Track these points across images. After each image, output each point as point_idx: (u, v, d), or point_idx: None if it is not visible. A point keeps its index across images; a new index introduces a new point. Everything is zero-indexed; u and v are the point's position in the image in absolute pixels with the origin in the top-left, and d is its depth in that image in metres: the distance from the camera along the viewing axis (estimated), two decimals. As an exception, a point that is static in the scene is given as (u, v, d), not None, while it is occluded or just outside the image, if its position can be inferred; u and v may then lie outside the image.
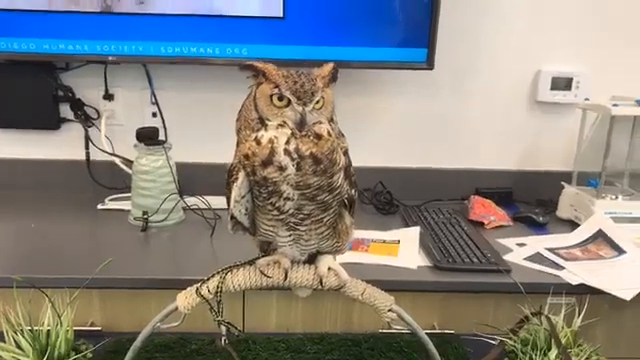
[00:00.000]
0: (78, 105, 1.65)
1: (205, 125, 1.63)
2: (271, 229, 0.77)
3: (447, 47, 1.59)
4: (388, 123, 1.73)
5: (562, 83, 1.69)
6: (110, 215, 1.53)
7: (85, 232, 1.46)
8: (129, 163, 1.54)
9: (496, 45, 1.68)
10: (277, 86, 0.70)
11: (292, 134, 0.70)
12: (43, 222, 1.45)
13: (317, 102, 0.71)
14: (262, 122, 0.71)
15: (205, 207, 1.48)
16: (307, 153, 0.69)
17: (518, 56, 1.69)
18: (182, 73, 1.64)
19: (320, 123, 0.71)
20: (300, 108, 0.69)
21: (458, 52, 1.66)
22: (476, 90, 1.71)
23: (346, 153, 0.75)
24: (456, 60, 1.67)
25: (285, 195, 0.71)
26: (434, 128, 1.74)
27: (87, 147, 1.67)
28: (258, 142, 0.70)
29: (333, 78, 0.74)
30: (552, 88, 1.70)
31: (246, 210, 0.77)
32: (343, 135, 0.77)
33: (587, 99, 1.61)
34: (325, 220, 0.76)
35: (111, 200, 1.58)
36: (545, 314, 0.93)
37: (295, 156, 0.69)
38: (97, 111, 1.67)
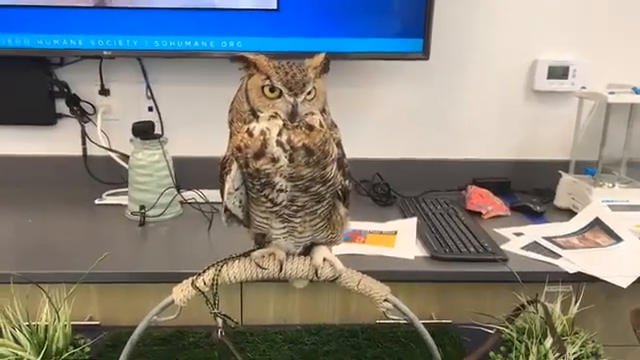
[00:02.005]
0: (74, 100, 1.65)
1: (201, 118, 1.62)
2: (265, 221, 0.78)
3: (443, 37, 1.58)
4: (385, 114, 1.73)
5: (559, 72, 1.69)
6: (107, 210, 1.53)
7: (83, 227, 1.45)
8: (126, 158, 1.54)
9: (492, 34, 1.67)
10: (268, 77, 0.70)
11: (284, 125, 0.70)
12: (40, 218, 1.45)
13: (309, 93, 0.71)
14: (254, 114, 0.71)
15: (202, 201, 1.48)
16: (299, 144, 0.69)
17: (514, 45, 1.68)
18: (177, 67, 1.64)
19: (312, 114, 0.71)
20: (291, 99, 0.69)
21: (454, 42, 1.66)
22: (473, 80, 1.71)
23: (339, 144, 0.75)
24: (452, 50, 1.66)
25: (278, 187, 0.72)
26: (431, 119, 1.73)
27: (84, 142, 1.67)
28: (250, 134, 0.70)
29: (325, 69, 0.74)
30: (549, 77, 1.69)
31: (240, 202, 0.77)
32: (336, 126, 0.77)
33: (584, 87, 1.60)
34: (319, 212, 0.76)
35: (108, 195, 1.58)
36: (541, 301, 0.94)
37: (287, 147, 0.69)
38: (93, 106, 1.67)
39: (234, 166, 0.72)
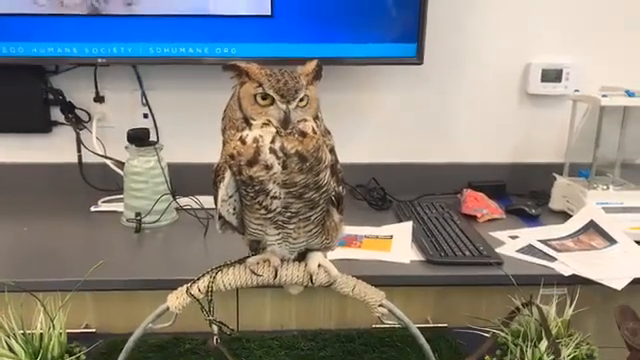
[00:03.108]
0: (69, 108, 1.65)
1: (197, 125, 1.62)
2: (259, 228, 0.78)
3: (436, 42, 1.59)
4: (380, 119, 1.73)
5: (552, 75, 1.69)
6: (103, 217, 1.53)
7: (78, 235, 1.45)
8: (121, 165, 1.54)
9: (485, 38, 1.68)
10: (260, 85, 0.70)
11: (277, 133, 0.70)
12: (36, 226, 1.44)
13: (301, 100, 0.71)
14: (247, 121, 0.71)
15: (198, 207, 1.48)
16: (292, 151, 0.70)
17: (508, 49, 1.69)
18: (172, 73, 1.64)
19: (305, 121, 0.72)
20: (284, 106, 0.70)
21: (448, 46, 1.66)
22: (467, 84, 1.72)
23: (332, 150, 0.76)
24: (446, 54, 1.67)
25: (272, 194, 0.72)
26: (426, 123, 1.74)
27: (79, 150, 1.67)
28: (243, 142, 0.70)
29: (317, 75, 0.74)
30: (542, 80, 1.70)
31: (234, 210, 0.77)
32: (329, 132, 0.78)
33: (577, 90, 1.61)
34: (313, 218, 0.77)
35: (104, 202, 1.58)
36: (536, 304, 0.94)
37: (280, 154, 0.69)
38: (88, 113, 1.67)
39: (227, 174, 0.73)
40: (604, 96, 1.45)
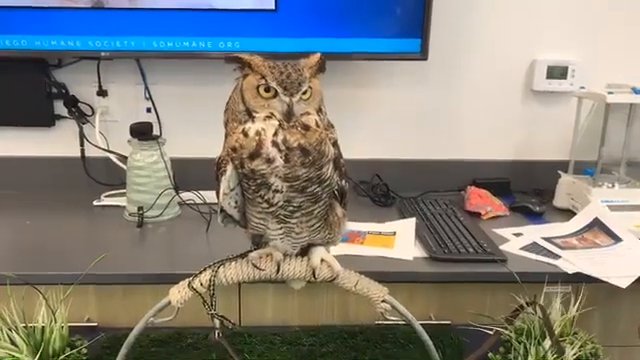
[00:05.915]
0: (72, 102, 1.65)
1: (200, 119, 1.62)
2: (261, 222, 0.77)
3: (441, 37, 1.58)
4: (384, 115, 1.72)
5: (558, 72, 1.68)
6: (106, 211, 1.52)
7: (81, 229, 1.45)
8: (124, 159, 1.54)
9: (491, 34, 1.67)
10: (263, 77, 0.69)
11: (280, 125, 0.69)
12: (38, 219, 1.44)
13: (304, 92, 0.70)
14: (249, 114, 0.71)
15: (200, 202, 1.48)
16: (295, 144, 0.69)
17: (513, 45, 1.68)
18: (175, 68, 1.63)
19: (308, 114, 0.71)
20: (287, 99, 0.69)
21: (452, 42, 1.65)
22: (471, 80, 1.71)
23: (335, 144, 0.75)
24: (450, 50, 1.66)
25: (274, 187, 0.71)
26: (430, 119, 1.73)
27: (82, 144, 1.67)
28: (245, 134, 0.70)
29: (320, 68, 0.73)
30: (548, 77, 1.68)
31: (236, 203, 0.77)
32: (332, 126, 0.77)
33: (583, 87, 1.60)
34: (315, 212, 0.76)
35: (106, 196, 1.58)
36: (539, 303, 0.93)
37: (283, 148, 0.69)
38: (91, 107, 1.67)
39: (229, 167, 0.72)
40: (610, 93, 1.44)
